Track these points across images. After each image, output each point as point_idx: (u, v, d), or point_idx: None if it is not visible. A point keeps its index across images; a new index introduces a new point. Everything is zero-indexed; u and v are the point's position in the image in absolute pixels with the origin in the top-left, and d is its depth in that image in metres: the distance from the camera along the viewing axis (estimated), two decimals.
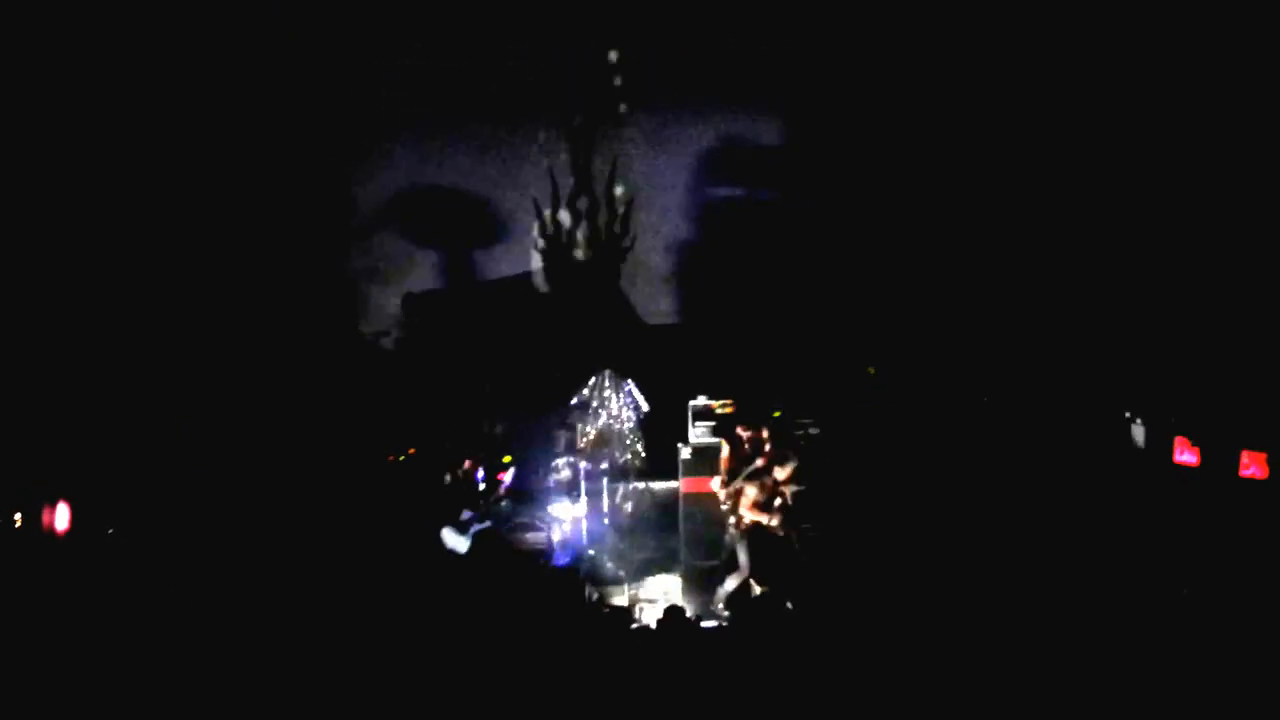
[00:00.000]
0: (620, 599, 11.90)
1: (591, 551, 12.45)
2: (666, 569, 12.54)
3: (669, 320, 14.77)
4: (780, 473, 11.39)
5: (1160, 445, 10.61)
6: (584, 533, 12.49)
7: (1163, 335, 11.24)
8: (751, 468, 11.40)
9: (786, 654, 7.79)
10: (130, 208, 11.98)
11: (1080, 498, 10.89)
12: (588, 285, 14.77)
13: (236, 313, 12.93)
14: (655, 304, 14.81)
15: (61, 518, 10.46)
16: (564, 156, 14.74)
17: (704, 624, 10.44)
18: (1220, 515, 9.71)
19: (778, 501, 11.34)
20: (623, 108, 14.51)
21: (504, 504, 12.49)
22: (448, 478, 12.14)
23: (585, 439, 13.25)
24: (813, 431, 12.17)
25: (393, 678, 7.68)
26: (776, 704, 7.09)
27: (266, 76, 13.23)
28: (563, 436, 13.17)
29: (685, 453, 12.61)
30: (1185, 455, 10.34)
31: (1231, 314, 10.57)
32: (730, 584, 11.34)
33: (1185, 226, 11.17)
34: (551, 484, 12.70)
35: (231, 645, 8.43)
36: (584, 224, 14.81)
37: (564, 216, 14.77)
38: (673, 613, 8.90)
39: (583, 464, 12.75)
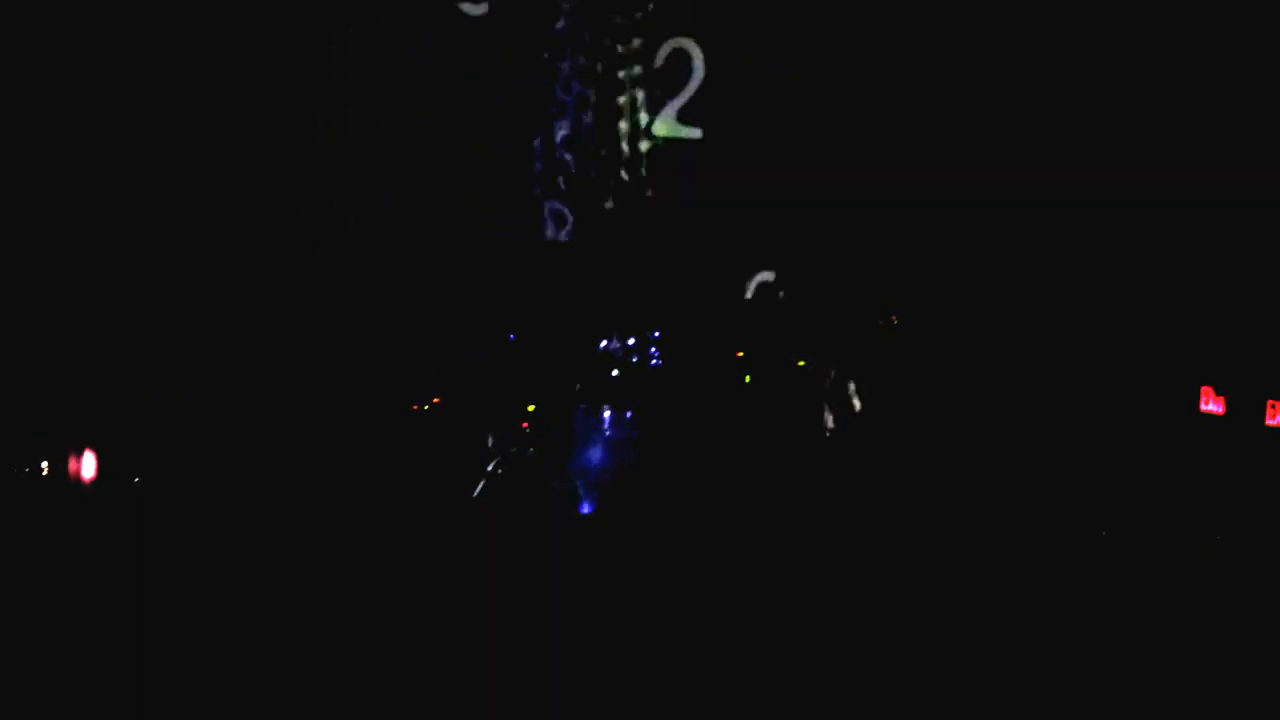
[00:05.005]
0: None
1: None
2: None
3: None
4: None
5: (1186, 394, 10.60)
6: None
7: (1188, 283, 11.18)
8: None
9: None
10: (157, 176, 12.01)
11: (1105, 447, 10.89)
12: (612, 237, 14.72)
13: (262, 263, 12.95)
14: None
15: (88, 466, 10.51)
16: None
17: None
18: (1247, 465, 9.72)
19: None
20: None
21: (530, 450, 12.52)
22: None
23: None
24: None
25: (417, 623, 7.75)
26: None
27: None
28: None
29: None
30: (1211, 405, 10.33)
31: (1259, 262, 10.51)
32: None
33: (1212, 168, 11.08)
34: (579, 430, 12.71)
35: (258, 587, 8.51)
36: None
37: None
38: None
39: (608, 410, 12.78)
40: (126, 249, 11.57)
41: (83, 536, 9.77)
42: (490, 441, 12.37)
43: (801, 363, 12.13)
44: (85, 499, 10.38)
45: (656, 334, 13.67)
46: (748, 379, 12.56)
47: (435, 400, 12.95)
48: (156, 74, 12.13)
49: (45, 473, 10.39)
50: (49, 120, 11.11)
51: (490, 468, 11.88)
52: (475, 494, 11.82)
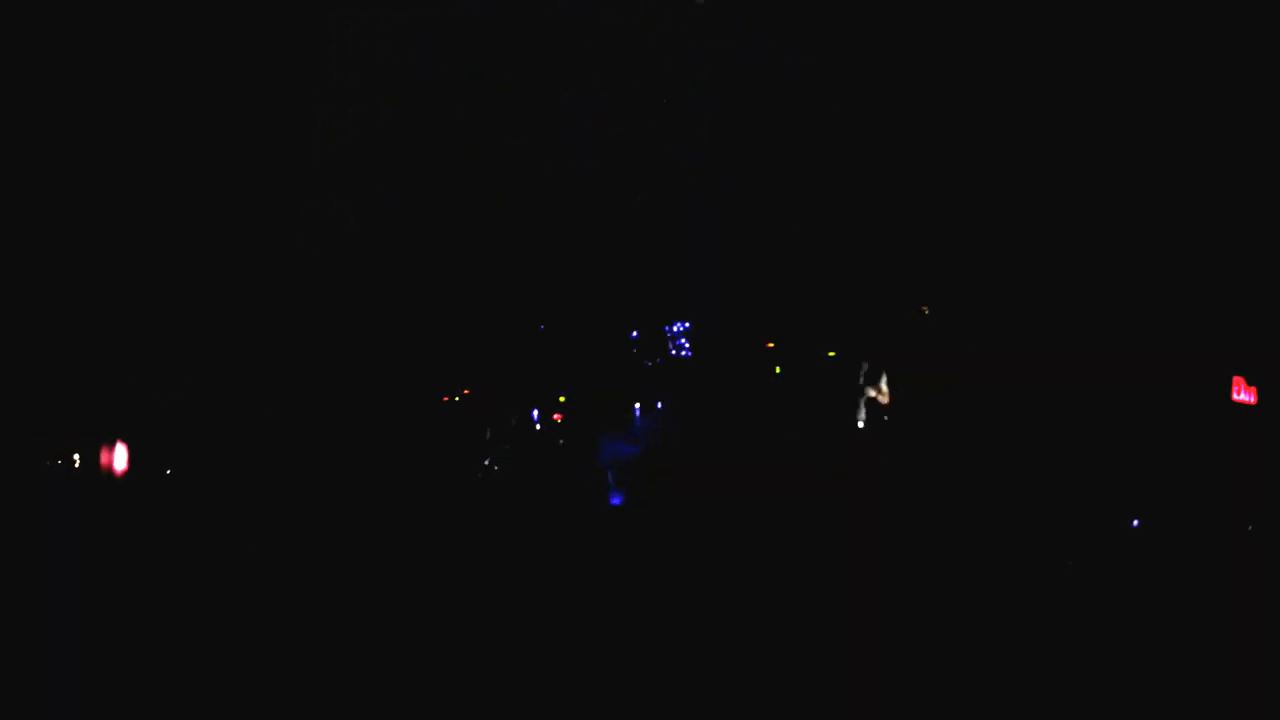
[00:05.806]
0: None
1: None
2: None
3: None
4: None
5: (1218, 384, 10.56)
6: None
7: (1221, 274, 11.13)
8: None
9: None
10: (178, 162, 12.12)
11: (1140, 437, 10.84)
12: None
13: (286, 252, 13.06)
14: None
15: (120, 458, 10.63)
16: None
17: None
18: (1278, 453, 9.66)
19: None
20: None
21: (560, 443, 12.58)
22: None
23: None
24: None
25: (452, 606, 7.76)
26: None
27: None
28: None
29: None
30: (1243, 394, 10.28)
31: None
32: None
33: (1244, 161, 11.03)
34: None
35: (291, 570, 8.54)
36: None
37: None
38: None
39: (637, 405, 12.81)
40: (155, 254, 11.71)
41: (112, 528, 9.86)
42: (517, 432, 12.47)
43: (832, 354, 12.09)
44: (117, 490, 10.49)
45: (683, 325, 13.71)
46: (778, 370, 12.56)
47: (465, 392, 13.02)
48: (174, 83, 12.28)
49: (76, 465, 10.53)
50: (63, 125, 11.24)
51: (508, 456, 12.00)
52: (492, 476, 11.93)
